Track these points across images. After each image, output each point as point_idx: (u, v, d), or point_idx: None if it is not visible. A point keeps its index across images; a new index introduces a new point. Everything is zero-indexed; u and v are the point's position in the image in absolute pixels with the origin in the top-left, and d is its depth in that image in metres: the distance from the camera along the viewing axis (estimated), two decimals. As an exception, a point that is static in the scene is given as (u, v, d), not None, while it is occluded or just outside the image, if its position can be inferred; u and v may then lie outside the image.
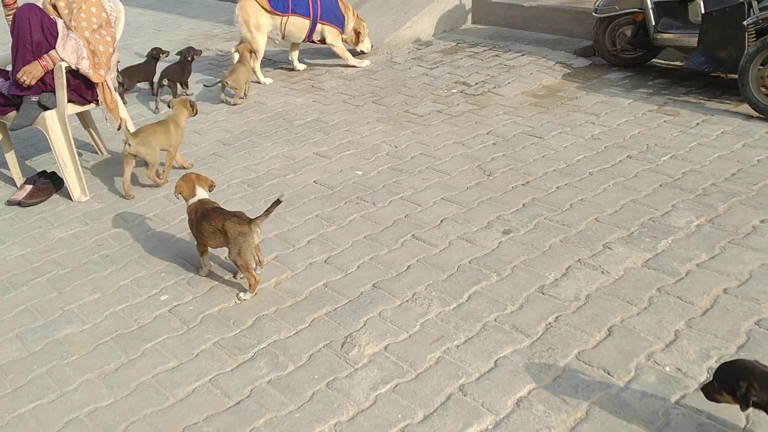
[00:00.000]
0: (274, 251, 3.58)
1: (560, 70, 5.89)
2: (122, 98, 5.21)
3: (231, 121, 5.56)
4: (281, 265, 3.45)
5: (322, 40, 6.51)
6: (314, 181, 4.34)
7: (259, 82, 6.37)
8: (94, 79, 4.32)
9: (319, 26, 6.37)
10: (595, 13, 5.70)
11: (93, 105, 4.54)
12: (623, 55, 5.81)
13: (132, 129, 4.45)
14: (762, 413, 2.02)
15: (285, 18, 6.22)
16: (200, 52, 6.19)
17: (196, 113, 4.69)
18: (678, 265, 3.10)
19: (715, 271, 3.02)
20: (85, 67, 4.24)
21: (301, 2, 6.26)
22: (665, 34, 5.29)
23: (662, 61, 5.90)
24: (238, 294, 3.25)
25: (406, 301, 3.06)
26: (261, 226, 3.16)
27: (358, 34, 6.60)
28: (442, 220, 3.73)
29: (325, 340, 2.86)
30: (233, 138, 5.17)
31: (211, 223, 3.24)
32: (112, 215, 4.14)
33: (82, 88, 4.39)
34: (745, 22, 4.56)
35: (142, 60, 6.26)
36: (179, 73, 6.04)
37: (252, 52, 6.16)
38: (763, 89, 4.54)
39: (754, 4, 4.52)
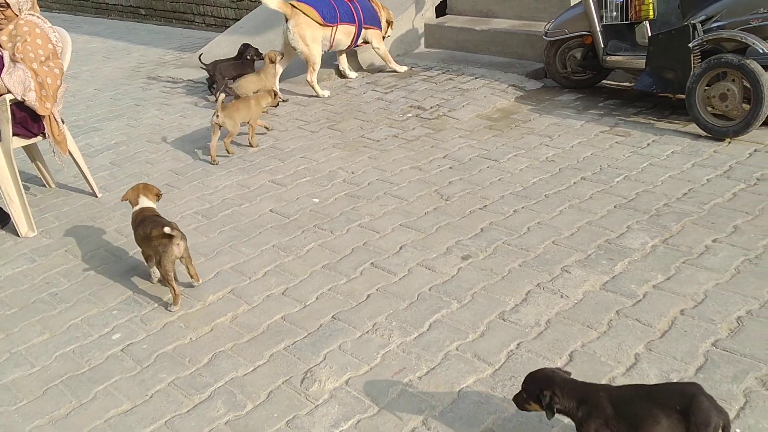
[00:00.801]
0: (230, 284, 3.50)
1: (513, 93, 5.96)
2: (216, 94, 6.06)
3: (183, 149, 5.46)
4: (237, 299, 3.37)
5: (365, 43, 6.72)
6: (270, 210, 4.28)
7: (317, 96, 6.43)
8: (41, 112, 4.20)
9: (363, 31, 6.54)
10: (546, 36, 5.79)
11: (39, 138, 4.41)
12: (574, 77, 5.91)
13: (81, 160, 4.35)
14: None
15: (335, 28, 6.33)
16: (259, 53, 6.57)
17: (278, 104, 5.65)
18: (635, 287, 3.12)
19: (671, 292, 3.05)
20: (31, 99, 4.12)
21: (346, 11, 6.39)
22: (614, 56, 5.40)
23: (612, 83, 6.01)
24: (168, 306, 3.33)
25: (367, 332, 3.01)
26: (182, 240, 3.27)
27: (389, 23, 6.74)
28: (400, 247, 3.70)
29: (284, 376, 2.79)
30: (186, 167, 5.08)
31: (143, 230, 3.37)
32: (61, 251, 4.01)
33: (28, 120, 4.26)
34: (690, 45, 4.67)
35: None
36: (230, 69, 6.50)
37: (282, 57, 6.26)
38: (709, 109, 4.65)
39: (699, 26, 4.64)
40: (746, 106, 4.46)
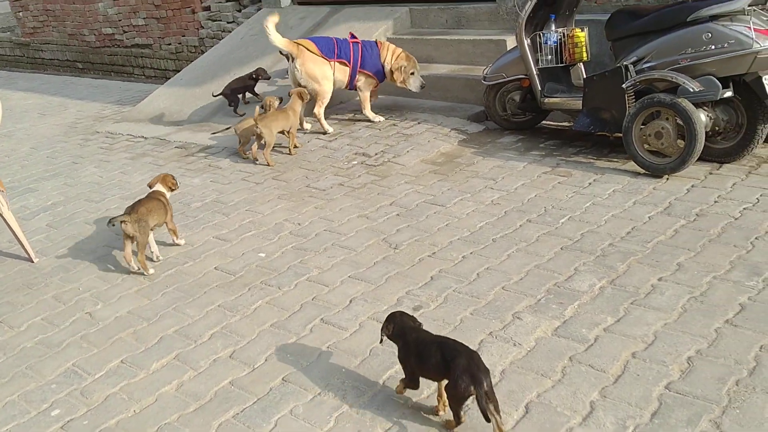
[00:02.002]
0: (175, 349, 3.36)
1: (456, 137, 6.01)
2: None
3: (124, 207, 5.30)
4: (183, 365, 3.24)
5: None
6: (215, 268, 4.17)
7: (324, 133, 6.51)
8: None
9: (360, 75, 6.49)
10: (485, 80, 5.89)
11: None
12: (514, 119, 6.01)
13: (15, 224, 4.17)
14: None
15: (332, 63, 6.38)
16: (268, 76, 7.26)
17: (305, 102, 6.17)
18: (586, 331, 3.12)
19: (621, 334, 3.06)
20: None
21: (345, 50, 6.40)
22: (551, 98, 5.52)
23: (552, 123, 6.13)
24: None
25: (319, 394, 2.92)
26: (128, 222, 4.06)
27: (402, 73, 6.46)
28: (350, 300, 3.63)
29: (233, 447, 2.67)
30: (127, 226, 4.93)
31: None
32: (-7, 323, 3.81)
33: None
34: (624, 85, 4.81)
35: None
36: (238, 82, 7.27)
37: (301, 97, 6.24)
38: (646, 147, 4.77)
39: (631, 68, 4.78)
40: (681, 143, 4.59)
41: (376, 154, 5.82)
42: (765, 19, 4.39)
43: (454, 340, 2.67)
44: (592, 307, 3.30)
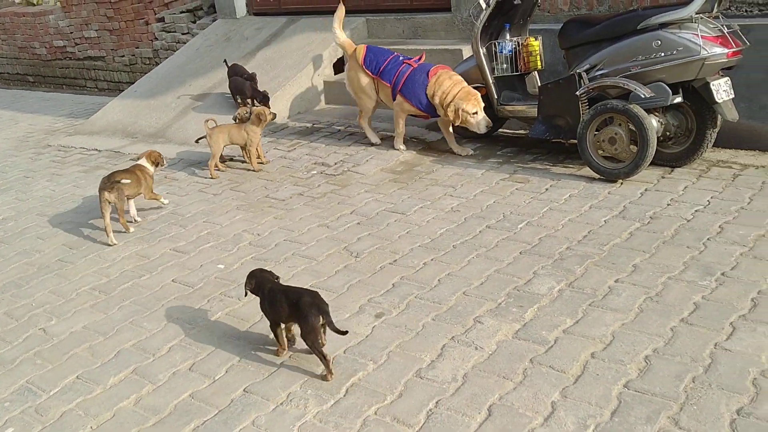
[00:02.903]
0: (132, 363, 3.29)
1: (415, 145, 6.04)
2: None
3: (77, 221, 5.20)
4: (141, 379, 3.17)
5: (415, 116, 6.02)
6: (173, 280, 4.10)
7: (372, 144, 6.16)
8: None
9: (398, 97, 5.85)
10: (442, 89, 5.94)
11: None
12: (472, 127, 6.07)
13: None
14: None
15: (374, 79, 5.95)
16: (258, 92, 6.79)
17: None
18: (546, 333, 3.15)
19: (580, 335, 3.10)
20: None
21: (391, 68, 5.83)
22: (507, 106, 5.59)
23: (508, 131, 6.21)
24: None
25: (281, 403, 2.88)
26: (109, 192, 4.66)
27: (444, 108, 5.55)
28: (312, 310, 3.60)
29: (194, 460, 2.62)
30: (80, 240, 4.82)
31: None
32: (-59, 341, 3.68)
33: None
34: (577, 92, 4.90)
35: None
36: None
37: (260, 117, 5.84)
38: (600, 152, 4.86)
39: (584, 75, 4.87)
40: (634, 148, 4.69)
41: (335, 164, 5.81)
42: (712, 26, 4.52)
43: (299, 286, 3.23)
44: (551, 310, 3.33)
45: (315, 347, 2.98)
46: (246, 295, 3.26)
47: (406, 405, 2.79)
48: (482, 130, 5.54)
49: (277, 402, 2.90)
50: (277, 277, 3.29)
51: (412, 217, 4.62)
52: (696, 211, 4.22)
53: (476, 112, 5.46)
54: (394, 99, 5.86)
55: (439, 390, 2.85)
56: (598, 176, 4.86)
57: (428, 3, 7.54)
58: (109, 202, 4.68)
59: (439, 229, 4.38)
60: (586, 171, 4.98)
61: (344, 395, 2.89)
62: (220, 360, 3.24)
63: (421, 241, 4.25)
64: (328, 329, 3.00)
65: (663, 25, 4.58)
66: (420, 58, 5.88)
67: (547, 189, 4.81)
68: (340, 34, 6.02)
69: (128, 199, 4.88)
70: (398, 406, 2.78)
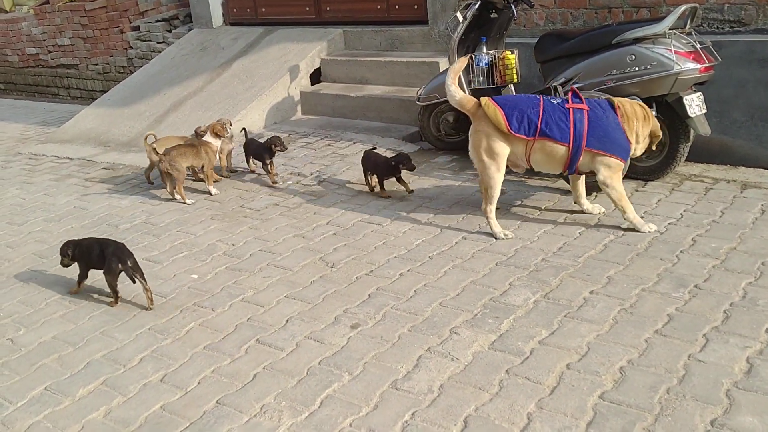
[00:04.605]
0: (102, 375, 3.22)
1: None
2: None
3: (48, 230, 5.11)
4: (111, 390, 3.10)
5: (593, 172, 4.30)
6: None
7: (495, 238, 4.33)
8: None
9: (585, 155, 4.22)
10: (419, 101, 5.95)
11: None
12: (448, 139, 6.08)
13: None
14: None
15: (531, 142, 4.26)
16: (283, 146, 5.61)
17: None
18: (522, 344, 3.15)
19: (556, 347, 3.10)
20: None
21: (558, 120, 4.18)
22: (484, 118, 5.57)
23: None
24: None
25: (255, 415, 2.84)
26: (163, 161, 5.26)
27: (651, 136, 4.34)
28: (287, 320, 3.57)
29: (165, 473, 2.56)
30: (51, 250, 4.72)
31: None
32: None
33: None
34: (553, 104, 4.89)
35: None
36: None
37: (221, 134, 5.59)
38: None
39: (560, 88, 4.92)
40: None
41: (311, 174, 5.78)
42: (685, 42, 4.59)
43: (108, 238, 3.98)
44: (527, 321, 3.34)
45: (111, 286, 3.84)
46: (67, 266, 4.02)
47: (381, 417, 2.76)
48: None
49: (251, 414, 2.85)
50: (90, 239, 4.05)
51: (388, 228, 4.60)
52: (669, 224, 4.26)
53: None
54: (573, 160, 4.23)
55: (415, 401, 2.83)
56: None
57: (405, 15, 7.58)
58: (167, 173, 5.26)
59: (415, 240, 4.37)
60: (561, 183, 5.01)
61: (319, 407, 2.86)
62: (193, 371, 3.19)
63: (398, 251, 4.24)
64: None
65: (637, 40, 4.63)
66: (574, 94, 4.33)
67: (521, 201, 4.83)
68: (456, 90, 4.41)
69: (191, 170, 5.45)
70: (374, 418, 2.76)
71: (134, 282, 3.78)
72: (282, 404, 2.89)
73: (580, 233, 4.24)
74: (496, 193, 4.35)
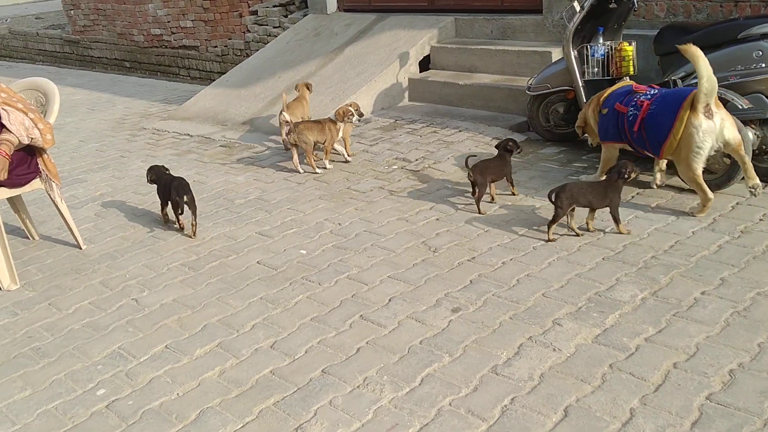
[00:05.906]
0: (218, 337, 3.44)
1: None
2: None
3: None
4: (225, 352, 3.31)
5: None
6: (257, 262, 4.25)
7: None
8: (48, 145, 4.20)
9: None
10: (529, 90, 5.91)
11: (26, 188, 4.37)
12: (557, 130, 6.00)
13: (66, 211, 4.30)
14: None
15: None
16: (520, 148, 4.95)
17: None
18: (627, 340, 3.11)
19: (663, 345, 3.05)
20: (36, 136, 4.11)
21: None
22: (596, 110, 5.46)
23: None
24: None
25: (358, 386, 2.96)
26: (292, 133, 5.69)
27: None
28: (389, 300, 3.67)
29: (274, 433, 2.72)
30: (171, 219, 5.04)
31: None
32: (44, 304, 3.93)
33: (17, 169, 4.20)
34: (670, 100, 4.73)
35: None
36: (498, 169, 4.88)
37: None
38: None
39: (679, 82, 4.76)
40: (727, 161, 4.54)
41: (416, 160, 5.86)
42: (817, 38, 4.34)
43: (175, 176, 4.77)
44: (633, 317, 3.29)
45: (176, 215, 4.77)
46: (150, 181, 4.96)
47: (481, 399, 2.81)
48: None
49: (354, 385, 2.97)
50: (168, 170, 4.97)
51: (491, 216, 4.62)
52: (791, 228, 4.07)
53: None
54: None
55: (514, 387, 2.86)
56: (688, 186, 4.73)
57: (519, 4, 7.51)
58: (293, 144, 5.74)
59: (519, 230, 4.37)
60: (675, 181, 4.85)
61: (419, 384, 2.94)
62: (300, 340, 3.35)
63: (501, 240, 4.25)
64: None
65: (765, 36, 4.43)
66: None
67: (633, 196, 4.72)
68: None
69: (317, 143, 5.76)
70: (473, 400, 2.81)
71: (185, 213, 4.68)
72: (384, 378, 3.00)
73: (693, 232, 4.11)
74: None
